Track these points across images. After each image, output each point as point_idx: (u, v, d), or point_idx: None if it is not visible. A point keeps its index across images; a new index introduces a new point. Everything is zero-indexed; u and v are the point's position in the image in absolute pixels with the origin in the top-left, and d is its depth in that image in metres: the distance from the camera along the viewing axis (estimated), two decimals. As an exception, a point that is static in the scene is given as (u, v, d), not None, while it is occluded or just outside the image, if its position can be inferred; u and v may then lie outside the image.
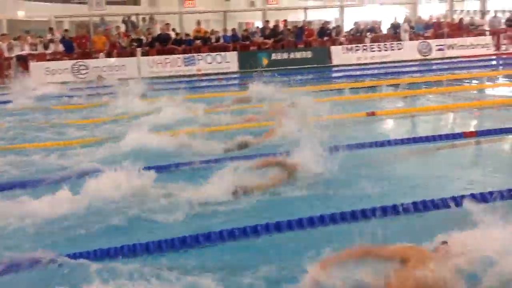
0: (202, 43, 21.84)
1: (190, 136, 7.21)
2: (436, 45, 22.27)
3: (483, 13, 25.99)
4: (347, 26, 25.54)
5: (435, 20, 24.68)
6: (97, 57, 20.53)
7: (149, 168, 5.26)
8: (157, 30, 22.56)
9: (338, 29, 23.93)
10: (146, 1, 31.29)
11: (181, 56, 20.70)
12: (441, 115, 8.09)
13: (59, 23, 25.16)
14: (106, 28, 22.37)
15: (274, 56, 21.28)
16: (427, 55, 21.88)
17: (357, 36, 23.62)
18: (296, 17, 27.46)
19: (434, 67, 18.66)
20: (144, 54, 20.63)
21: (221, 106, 10.35)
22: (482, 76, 15.16)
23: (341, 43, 22.61)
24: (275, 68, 19.83)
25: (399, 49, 21.95)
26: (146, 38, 21.54)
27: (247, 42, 22.20)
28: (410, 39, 23.02)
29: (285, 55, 21.36)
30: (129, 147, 6.80)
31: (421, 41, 22.62)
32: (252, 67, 20.46)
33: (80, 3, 25.10)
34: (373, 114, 8.53)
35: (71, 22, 26.60)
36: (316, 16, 30.59)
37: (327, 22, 24.83)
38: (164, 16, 25.58)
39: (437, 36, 23.20)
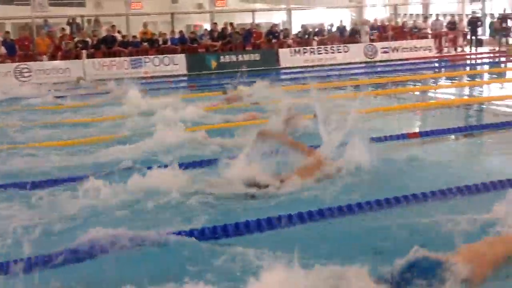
0: (149, 45, 21.60)
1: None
2: (381, 48, 22.78)
3: (426, 16, 26.76)
4: (295, 29, 25.80)
5: (380, 24, 25.25)
6: (41, 60, 19.99)
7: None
8: (103, 32, 22.16)
9: (286, 31, 24.13)
10: (92, 3, 30.68)
11: (127, 58, 20.40)
12: (386, 116, 8.24)
13: (1, 25, 24.35)
14: (49, 30, 21.77)
15: (222, 59, 21.25)
16: (373, 58, 22.35)
17: (304, 39, 23.90)
18: (244, 19, 27.50)
19: (379, 69, 19.08)
20: (90, 56, 20.24)
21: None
22: (425, 78, 15.56)
23: (289, 46, 22.81)
24: (223, 71, 19.82)
25: (345, 51, 22.33)
26: (92, 40, 21.12)
27: (195, 45, 22.09)
28: (357, 42, 23.47)
29: (233, 58, 21.36)
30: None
31: (366, 43, 23.08)
32: (201, 69, 20.43)
33: (22, 4, 24.34)
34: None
35: (13, 24, 25.79)
36: (264, 19, 30.75)
37: (275, 25, 25.02)
38: (111, 18, 25.14)
39: (382, 39, 23.75)
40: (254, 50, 22.24)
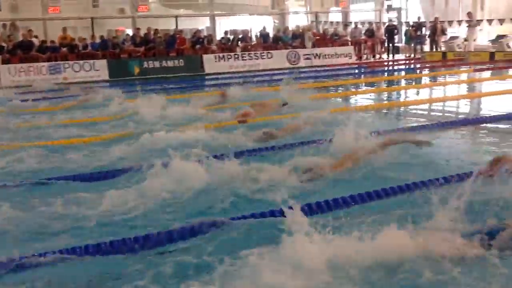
0: (69, 50, 20.93)
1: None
2: (304, 54, 23.22)
3: (345, 24, 27.56)
4: (219, 35, 25.85)
5: (302, 31, 25.75)
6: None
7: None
8: (19, 37, 21.26)
9: (210, 38, 24.12)
10: (7, 7, 29.34)
11: (46, 64, 19.67)
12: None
13: None
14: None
15: (145, 65, 20.94)
16: (296, 64, 22.74)
17: (228, 45, 23.99)
18: (168, 25, 27.23)
19: (302, 75, 19.40)
20: (5, 61, 19.37)
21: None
22: (346, 84, 15.96)
23: (213, 52, 22.80)
24: (147, 77, 19.53)
25: (269, 58, 22.59)
26: (7, 45, 20.22)
27: (117, 50, 21.64)
28: (279, 48, 23.80)
29: (157, 64, 21.09)
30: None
31: (289, 50, 23.46)
32: (123, 75, 20.01)
33: None
34: (244, 122, 8.57)
35: None
36: (188, 25, 30.58)
37: (199, 31, 24.95)
38: (28, 23, 24.15)
39: (304, 46, 24.22)
40: (178, 56, 22.06)
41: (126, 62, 21.10)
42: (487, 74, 17.40)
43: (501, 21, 23.78)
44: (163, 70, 20.72)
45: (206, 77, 20.35)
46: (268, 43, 24.44)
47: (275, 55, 22.91)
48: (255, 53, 22.74)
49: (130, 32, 24.57)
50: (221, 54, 22.42)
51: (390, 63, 24.56)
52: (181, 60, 21.63)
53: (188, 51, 22.75)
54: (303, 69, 21.07)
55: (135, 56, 21.67)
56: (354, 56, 24.29)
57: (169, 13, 31.33)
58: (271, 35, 25.60)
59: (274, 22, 35.02)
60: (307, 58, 23.09)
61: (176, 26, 24.47)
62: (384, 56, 26.60)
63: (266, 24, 27.66)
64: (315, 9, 33.28)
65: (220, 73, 20.43)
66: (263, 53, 22.89)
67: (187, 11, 35.40)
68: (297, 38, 24.77)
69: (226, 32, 25.26)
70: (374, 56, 26.20)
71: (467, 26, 24.68)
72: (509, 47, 22.42)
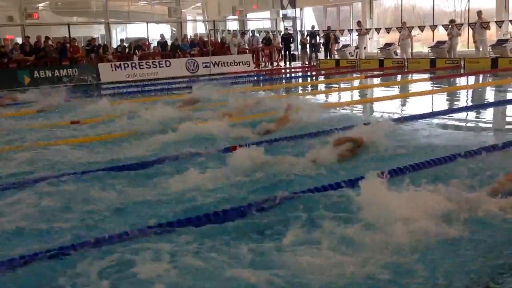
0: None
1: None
2: (203, 63, 23.21)
3: (243, 32, 27.90)
4: (115, 43, 25.25)
5: (200, 39, 25.80)
6: None
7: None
8: None
9: (105, 46, 23.48)
10: None
11: None
12: (203, 130, 8.27)
13: None
14: None
15: (36, 74, 19.96)
16: (195, 72, 22.68)
17: (125, 54, 23.49)
18: (61, 33, 26.19)
19: (202, 83, 19.36)
20: None
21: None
22: (245, 91, 16.03)
23: (108, 61, 22.20)
24: (38, 87, 18.60)
25: (167, 66, 22.36)
26: None
27: (5, 60, 20.48)
28: (178, 56, 23.64)
29: (49, 73, 20.17)
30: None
31: (188, 58, 23.36)
32: (12, 85, 18.96)
33: None
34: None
35: None
36: (82, 33, 29.60)
37: (93, 39, 24.21)
38: None
39: (202, 54, 24.24)
40: (71, 64, 21.26)
41: (15, 71, 20.01)
42: (377, 80, 18.28)
43: (388, 29, 25.14)
44: (56, 80, 19.84)
45: (103, 86, 19.74)
46: (166, 51, 24.20)
47: (174, 63, 22.71)
48: (153, 62, 22.41)
49: (20, 40, 23.36)
50: (117, 63, 21.87)
51: (287, 70, 25.19)
52: (75, 69, 20.86)
53: (83, 60, 21.99)
54: (203, 77, 21.05)
55: (25, 65, 20.63)
56: (253, 64, 24.64)
57: (61, 20, 30.15)
58: (169, 43, 25.39)
59: (172, 30, 34.79)
60: (206, 66, 23.10)
61: (69, 34, 23.57)
62: (282, 63, 27.23)
63: (164, 32, 27.37)
64: (213, 17, 33.43)
65: (116, 82, 19.91)
66: (161, 61, 22.61)
67: (81, 18, 34.29)
68: (195, 46, 24.73)
69: (122, 40, 24.70)
70: (271, 64, 26.74)
71: (357, 35, 25.87)
72: (396, 54, 23.72)
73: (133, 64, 22.02)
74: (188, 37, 27.63)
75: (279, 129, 7.88)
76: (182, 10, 32.77)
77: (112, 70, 21.39)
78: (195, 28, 39.83)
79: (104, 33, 27.10)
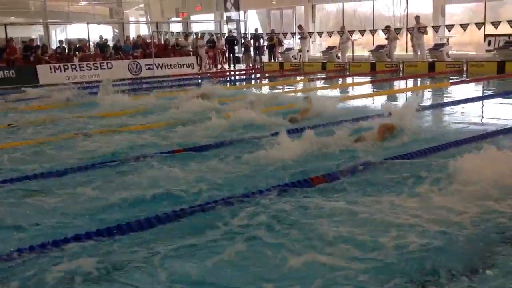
0: None
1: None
2: (146, 65, 22.90)
3: (187, 34, 27.72)
4: (55, 45, 24.56)
5: (143, 41, 25.44)
6: None
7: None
8: None
9: (44, 47, 22.80)
10: None
11: None
12: (143, 133, 8.22)
13: None
14: None
15: (-30, 76, 19.17)
16: (138, 74, 22.34)
17: (65, 55, 22.89)
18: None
19: (144, 85, 19.08)
20: None
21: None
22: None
23: (47, 62, 21.56)
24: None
25: (109, 68, 21.92)
26: None
27: None
28: (120, 58, 23.24)
29: (-16, 75, 19.41)
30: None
31: (131, 60, 23.00)
32: None
33: None
34: (85, 134, 8.25)
35: None
36: (20, 33, 28.67)
37: (31, 40, 23.48)
38: None
39: (145, 55, 23.92)
40: (8, 66, 20.52)
41: None
42: (320, 83, 18.54)
43: (330, 33, 25.58)
44: (-9, 82, 19.10)
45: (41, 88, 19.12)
46: (105, 53, 23.72)
47: (116, 65, 22.28)
48: (94, 63, 21.92)
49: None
50: (56, 65, 21.27)
51: (232, 73, 25.21)
52: (12, 71, 20.15)
53: (20, 61, 21.28)
54: (146, 79, 20.76)
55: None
56: (197, 66, 24.52)
57: (-2, 20, 29.07)
58: (111, 44, 24.93)
59: (114, 31, 34.19)
60: (149, 69, 22.81)
61: (6, 35, 22.72)
62: (226, 66, 27.23)
63: (106, 33, 26.84)
64: (156, 18, 33.09)
65: (56, 84, 19.33)
66: (102, 63, 22.14)
67: (18, 19, 33.22)
68: (138, 48, 24.38)
69: (61, 42, 24.06)
70: (216, 66, 26.69)
71: (299, 38, 26.19)
72: (338, 57, 24.15)
73: (73, 66, 21.47)
74: (131, 38, 27.22)
75: (303, 118, 8.87)
76: (124, 11, 32.28)
77: (51, 72, 20.78)
78: (138, 29, 39.32)
79: (42, 34, 26.31)
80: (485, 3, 22.48)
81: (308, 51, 26.32)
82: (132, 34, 33.26)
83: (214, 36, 27.67)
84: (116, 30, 32.69)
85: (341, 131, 7.17)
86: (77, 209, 4.77)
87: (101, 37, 25.46)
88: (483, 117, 9.92)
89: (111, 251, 3.78)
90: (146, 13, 37.01)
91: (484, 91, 14.49)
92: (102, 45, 24.32)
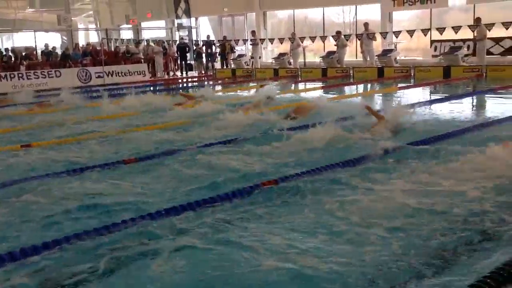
0: None
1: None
2: (96, 72, 22.50)
3: (138, 42, 27.41)
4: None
5: (92, 48, 25.01)
6: None
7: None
8: None
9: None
10: None
11: None
12: (100, 141, 8.09)
13: None
14: None
15: None
16: (88, 82, 21.92)
17: (11, 63, 22.25)
18: None
19: (94, 94, 18.71)
20: None
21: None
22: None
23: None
24: None
25: (57, 76, 21.41)
26: None
27: None
28: (69, 66, 22.77)
29: None
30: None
31: (80, 68, 22.55)
32: None
33: None
34: (28, 145, 7.98)
35: None
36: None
37: (-25, 48, 22.73)
38: None
39: (95, 63, 23.50)
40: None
41: None
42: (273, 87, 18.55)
43: (281, 40, 25.75)
44: None
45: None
46: (50, 61, 23.17)
47: (64, 73, 21.79)
48: (42, 72, 21.37)
49: None
50: (2, 73, 20.64)
51: (184, 80, 25.04)
52: (-45, 80, 19.45)
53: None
54: (95, 87, 20.37)
55: None
56: (148, 73, 24.25)
57: None
58: (59, 52, 24.40)
59: (63, 38, 33.50)
60: (99, 76, 22.42)
61: None
62: (178, 73, 27.05)
63: (55, 40, 26.24)
64: (105, 25, 32.59)
65: (2, 94, 18.75)
66: (50, 71, 21.61)
67: (-39, 26, 32.15)
68: (88, 56, 23.94)
69: (7, 50, 23.38)
70: (168, 74, 26.48)
71: (251, 44, 26.28)
72: (290, 63, 24.34)
73: (20, 75, 20.89)
74: (80, 46, 26.70)
75: (300, 116, 9.48)
76: (73, 18, 31.66)
77: (-3, 80, 20.16)
78: (88, 37, 38.64)
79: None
80: (431, 9, 23.13)
81: (260, 57, 26.43)
82: (82, 42, 32.64)
83: (166, 43, 27.45)
84: (65, 38, 32.00)
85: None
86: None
87: (46, 45, 24.85)
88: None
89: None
90: (95, 20, 36.39)
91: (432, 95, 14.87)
92: (48, 53, 23.75)
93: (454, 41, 21.47)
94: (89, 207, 4.97)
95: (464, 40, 21.11)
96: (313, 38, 24.93)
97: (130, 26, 33.10)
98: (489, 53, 20.13)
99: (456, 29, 20.72)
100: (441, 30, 21.48)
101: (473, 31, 19.88)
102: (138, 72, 23.63)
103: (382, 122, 8.10)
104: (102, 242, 4.03)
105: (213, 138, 8.08)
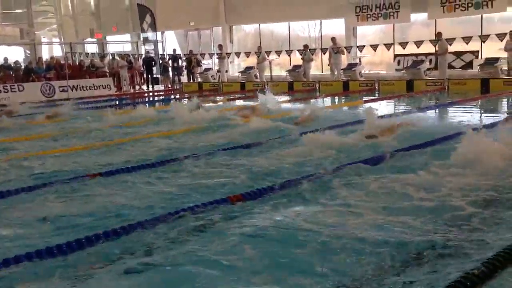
0: None
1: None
2: (60, 86, 22.17)
3: (102, 56, 27.15)
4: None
5: (56, 62, 24.68)
6: None
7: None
8: None
9: None
10: None
11: None
12: (66, 157, 8.00)
13: None
14: None
15: None
16: (51, 97, 21.57)
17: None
18: None
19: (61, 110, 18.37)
20: None
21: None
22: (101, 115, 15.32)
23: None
24: None
25: (20, 90, 21.01)
26: None
27: None
28: (32, 80, 22.38)
29: None
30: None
31: (43, 82, 22.19)
32: None
33: None
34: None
35: None
36: None
37: None
38: None
39: (59, 77, 23.17)
40: None
41: None
42: (239, 102, 18.61)
43: (248, 54, 25.89)
44: None
45: None
46: (19, 75, 22.78)
47: (28, 87, 21.41)
48: (4, 86, 20.94)
49: None
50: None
51: (151, 94, 24.87)
52: None
53: None
54: (60, 102, 20.03)
55: None
56: (114, 87, 24.01)
57: None
58: (23, 66, 23.99)
59: (26, 52, 32.95)
60: (64, 90, 22.09)
61: None
62: (144, 87, 26.87)
63: (18, 54, 25.80)
64: (70, 39, 32.21)
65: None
66: (13, 85, 21.21)
67: None
68: (52, 70, 23.59)
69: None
70: (134, 87, 26.27)
71: (217, 58, 26.32)
72: (256, 77, 24.44)
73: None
74: (44, 60, 26.30)
75: (305, 123, 10.39)
76: (36, 32, 31.19)
77: (-44, 95, 19.67)
78: (51, 50, 38.09)
79: None
80: (394, 24, 23.60)
81: (226, 71, 26.48)
82: (45, 56, 32.15)
83: (131, 57, 27.27)
84: (28, 52, 31.48)
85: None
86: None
87: (5, 59, 24.43)
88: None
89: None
90: (59, 34, 35.94)
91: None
92: (7, 67, 23.34)
93: (416, 55, 21.93)
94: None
95: (426, 54, 21.58)
96: (279, 52, 25.14)
97: (95, 40, 32.79)
98: (450, 67, 20.62)
99: (418, 43, 21.22)
100: (403, 44, 21.96)
101: (434, 46, 20.36)
102: (103, 86, 23.37)
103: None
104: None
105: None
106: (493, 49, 20.05)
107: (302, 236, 4.10)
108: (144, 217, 4.77)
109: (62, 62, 24.96)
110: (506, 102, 15.33)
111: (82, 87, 22.75)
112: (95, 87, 23.10)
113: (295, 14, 25.82)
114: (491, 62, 19.05)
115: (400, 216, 4.53)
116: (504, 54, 18.73)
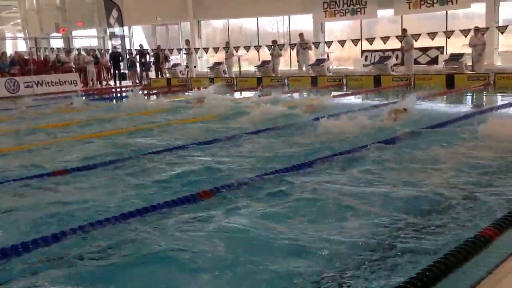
0: None
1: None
2: (24, 82, 21.74)
3: (68, 51, 26.71)
4: None
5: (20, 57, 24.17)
6: None
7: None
8: None
9: None
10: None
11: None
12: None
13: None
14: None
15: None
16: (16, 92, 21.14)
17: None
18: None
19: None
20: None
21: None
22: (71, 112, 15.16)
23: None
24: None
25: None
26: None
27: None
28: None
29: None
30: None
31: (7, 78, 21.73)
32: None
33: None
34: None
35: None
36: None
37: None
38: None
39: (24, 73, 22.71)
40: None
41: None
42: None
43: (216, 49, 25.80)
44: None
45: None
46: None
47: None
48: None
49: None
50: None
51: (118, 89, 24.58)
52: None
53: None
54: (24, 97, 19.64)
55: None
56: (80, 83, 23.66)
57: None
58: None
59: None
60: (28, 86, 21.66)
61: None
62: (111, 82, 26.54)
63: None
64: (34, 34, 31.60)
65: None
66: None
67: None
68: (16, 65, 23.09)
69: None
70: (101, 83, 25.92)
71: (185, 54, 26.17)
72: (225, 73, 24.40)
73: None
74: (8, 55, 25.71)
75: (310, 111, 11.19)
76: (0, 27, 30.52)
77: None
78: (16, 45, 37.31)
79: None
80: (361, 20, 23.84)
81: (195, 66, 26.35)
82: (9, 51, 31.46)
83: (98, 52, 26.89)
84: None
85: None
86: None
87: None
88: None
89: None
90: (23, 29, 35.21)
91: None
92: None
93: (383, 51, 22.20)
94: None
95: (392, 50, 21.87)
96: (247, 48, 25.13)
97: (60, 34, 32.24)
98: (416, 62, 20.95)
99: (385, 39, 21.48)
100: (370, 40, 22.20)
101: (400, 42, 20.64)
102: (70, 82, 23.00)
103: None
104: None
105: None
106: (457, 45, 20.45)
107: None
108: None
109: (27, 57, 24.47)
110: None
111: (48, 82, 22.35)
112: (61, 83, 22.72)
113: (264, 10, 25.84)
114: (456, 57, 19.42)
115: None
116: (469, 50, 19.11)
